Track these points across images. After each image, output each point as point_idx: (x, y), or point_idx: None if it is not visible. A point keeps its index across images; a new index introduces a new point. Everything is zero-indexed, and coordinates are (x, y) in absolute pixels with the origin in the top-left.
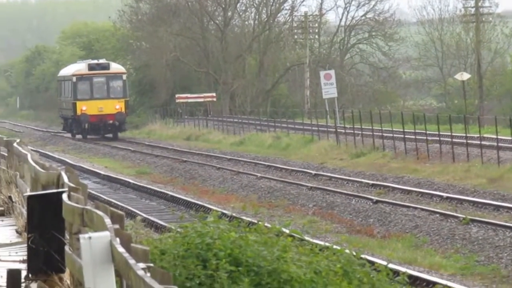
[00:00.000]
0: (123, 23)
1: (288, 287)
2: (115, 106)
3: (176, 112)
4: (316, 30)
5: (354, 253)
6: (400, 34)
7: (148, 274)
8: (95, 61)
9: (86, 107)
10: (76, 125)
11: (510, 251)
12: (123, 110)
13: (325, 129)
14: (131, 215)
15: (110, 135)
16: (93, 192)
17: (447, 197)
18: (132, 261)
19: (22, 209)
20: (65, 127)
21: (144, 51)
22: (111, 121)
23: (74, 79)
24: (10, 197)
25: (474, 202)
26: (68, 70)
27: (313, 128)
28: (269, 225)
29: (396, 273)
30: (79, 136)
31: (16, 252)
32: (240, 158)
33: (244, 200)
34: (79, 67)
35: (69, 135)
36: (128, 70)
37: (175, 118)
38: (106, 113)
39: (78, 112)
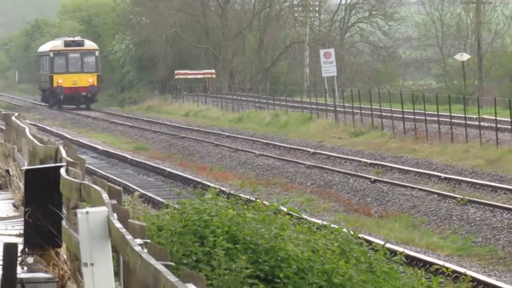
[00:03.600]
0: None
1: (285, 265)
2: (88, 79)
3: (175, 88)
4: (317, 8)
5: (352, 232)
6: (400, 13)
7: (145, 250)
8: (71, 38)
9: (61, 80)
10: (53, 96)
11: (507, 232)
12: (96, 83)
13: (324, 107)
14: (129, 190)
15: (84, 106)
16: (90, 167)
17: (445, 178)
18: (129, 237)
19: (20, 183)
20: (43, 98)
21: (144, 26)
22: (84, 93)
23: (51, 54)
24: (7, 171)
25: (472, 183)
26: (46, 46)
27: (312, 106)
28: (267, 203)
29: (393, 252)
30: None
31: (13, 226)
32: (238, 136)
33: (242, 178)
34: (56, 43)
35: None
36: (128, 46)
37: (174, 94)
38: (80, 85)
39: (55, 85)
